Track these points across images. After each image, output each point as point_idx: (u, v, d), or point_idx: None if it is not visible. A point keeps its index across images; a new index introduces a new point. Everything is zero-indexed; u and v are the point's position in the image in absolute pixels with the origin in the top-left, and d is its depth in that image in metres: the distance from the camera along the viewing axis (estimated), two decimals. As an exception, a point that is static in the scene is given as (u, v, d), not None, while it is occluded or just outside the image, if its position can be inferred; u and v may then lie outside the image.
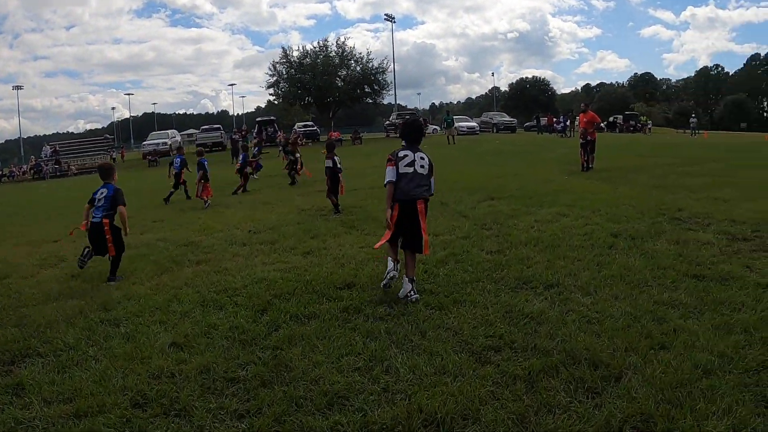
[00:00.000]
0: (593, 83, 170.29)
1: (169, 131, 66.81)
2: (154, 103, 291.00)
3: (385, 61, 68.41)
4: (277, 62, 66.88)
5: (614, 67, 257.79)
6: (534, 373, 4.57)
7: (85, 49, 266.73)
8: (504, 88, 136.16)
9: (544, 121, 63.24)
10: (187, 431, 4.13)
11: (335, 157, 13.36)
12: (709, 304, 5.91)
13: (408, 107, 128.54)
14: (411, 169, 6.64)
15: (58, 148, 59.45)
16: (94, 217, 8.58)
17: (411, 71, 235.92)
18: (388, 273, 6.86)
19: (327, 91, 65.51)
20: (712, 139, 47.91)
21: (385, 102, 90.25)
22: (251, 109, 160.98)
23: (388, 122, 63.39)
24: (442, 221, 10.65)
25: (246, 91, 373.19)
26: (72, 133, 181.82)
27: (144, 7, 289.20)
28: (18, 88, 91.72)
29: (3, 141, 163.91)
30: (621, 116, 71.30)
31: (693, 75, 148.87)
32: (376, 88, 67.89)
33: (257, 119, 67.75)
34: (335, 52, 66.91)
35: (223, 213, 15.08)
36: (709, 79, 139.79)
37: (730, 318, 5.51)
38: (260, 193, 19.55)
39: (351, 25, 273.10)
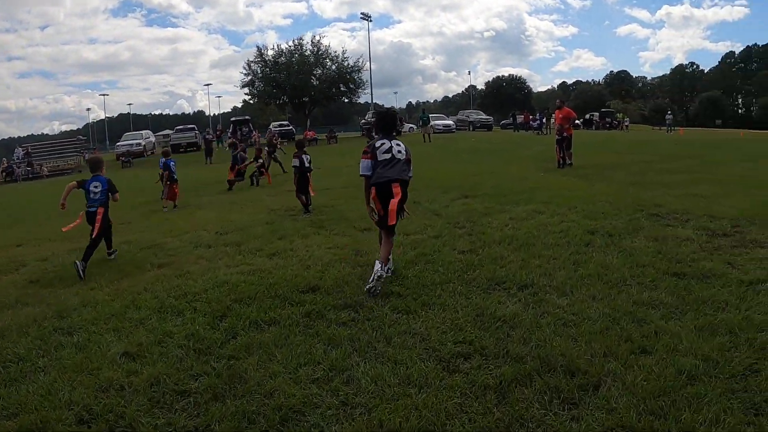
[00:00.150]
0: (570, 81, 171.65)
1: (143, 132, 65.94)
2: (129, 104, 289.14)
3: (360, 60, 68.16)
4: (252, 61, 66.47)
5: (590, 66, 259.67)
6: (506, 382, 4.23)
7: (60, 49, 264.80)
8: (481, 86, 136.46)
9: (520, 118, 63.23)
10: (129, 451, 3.74)
11: (303, 156, 12.98)
12: (691, 303, 5.61)
13: (384, 106, 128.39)
14: (389, 155, 6.79)
15: (30, 150, 58.40)
16: (90, 208, 9.26)
17: (388, 70, 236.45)
18: (374, 273, 6.57)
19: (302, 90, 65.12)
20: (687, 135, 48.02)
21: (362, 101, 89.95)
22: (228, 109, 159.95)
23: (363, 121, 62.94)
24: (414, 220, 10.31)
25: (222, 91, 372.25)
26: (47, 134, 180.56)
27: (119, 6, 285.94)
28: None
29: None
30: (597, 114, 71.56)
31: (668, 73, 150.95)
32: (351, 87, 67.59)
33: (231, 119, 67.09)
34: (310, 51, 66.55)
35: (193, 214, 14.67)
36: (684, 77, 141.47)
37: (714, 318, 5.21)
38: (232, 194, 19.16)
39: (328, 24, 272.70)
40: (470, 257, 7.67)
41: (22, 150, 58.65)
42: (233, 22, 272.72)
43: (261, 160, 21.21)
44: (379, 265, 6.56)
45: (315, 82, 66.37)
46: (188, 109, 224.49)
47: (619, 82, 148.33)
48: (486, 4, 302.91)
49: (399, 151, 6.87)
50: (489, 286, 6.46)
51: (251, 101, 75.39)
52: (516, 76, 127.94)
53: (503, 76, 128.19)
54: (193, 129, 63.13)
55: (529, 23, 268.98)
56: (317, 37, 69.36)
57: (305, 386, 4.40)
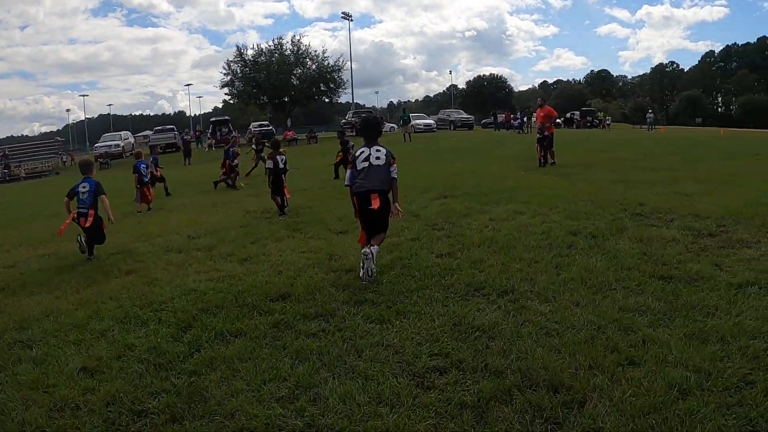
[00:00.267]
0: (551, 80, 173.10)
1: (121, 133, 65.12)
2: (109, 105, 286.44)
3: (340, 60, 67.88)
4: (232, 61, 66.00)
5: (571, 65, 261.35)
6: (484, 399, 3.92)
7: (39, 49, 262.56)
8: (462, 86, 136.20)
9: (501, 117, 63.08)
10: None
11: (278, 157, 12.60)
12: (679, 309, 5.33)
13: (366, 106, 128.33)
14: (366, 164, 7.01)
15: (7, 152, 57.66)
16: (80, 209, 9.58)
17: (369, 70, 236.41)
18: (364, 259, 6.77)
19: (282, 90, 64.77)
20: (668, 133, 48.06)
21: (343, 101, 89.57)
22: (208, 109, 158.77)
23: (344, 121, 62.53)
24: (391, 221, 9.97)
25: (203, 92, 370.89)
26: (27, 136, 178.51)
27: (100, 6, 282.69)
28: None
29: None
30: (578, 112, 71.68)
31: (649, 72, 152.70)
32: (332, 86, 67.34)
33: (211, 119, 66.57)
34: (290, 50, 66.18)
35: (167, 217, 14.25)
36: (664, 76, 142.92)
37: (704, 325, 4.93)
38: (208, 195, 18.73)
39: (309, 24, 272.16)
40: (448, 261, 7.36)
41: (0, 152, 57.92)
42: (214, 21, 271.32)
43: (237, 162, 20.75)
44: (368, 248, 6.80)
45: (295, 82, 66.03)
46: (169, 110, 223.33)
47: (600, 81, 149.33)
48: (467, 4, 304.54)
49: (377, 158, 7.02)
50: (467, 292, 6.14)
51: (231, 101, 74.74)
52: (497, 75, 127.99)
53: (484, 75, 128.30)
54: (172, 130, 62.41)
55: (510, 23, 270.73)
56: (297, 37, 69.16)
57: (269, 406, 4.07)
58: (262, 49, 66.68)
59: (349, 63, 71.66)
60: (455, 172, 18.08)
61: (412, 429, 3.63)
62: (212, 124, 60.39)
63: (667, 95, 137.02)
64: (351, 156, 7.35)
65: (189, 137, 50.19)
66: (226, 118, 64.41)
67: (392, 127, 64.95)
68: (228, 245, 9.56)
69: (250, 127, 61.38)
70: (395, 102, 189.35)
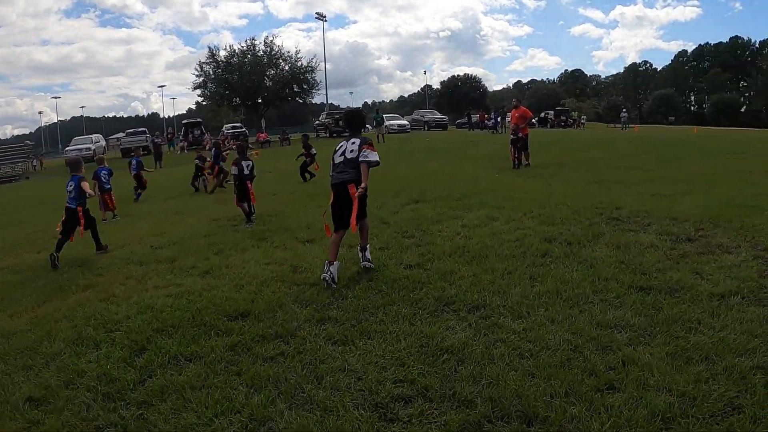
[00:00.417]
0: (525, 80, 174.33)
1: (92, 136, 63.80)
2: (82, 107, 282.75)
3: (314, 60, 67.31)
4: (204, 62, 65.13)
5: (545, 65, 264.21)
6: (451, 434, 3.56)
7: (11, 50, 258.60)
8: (436, 86, 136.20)
9: (475, 117, 63.06)
10: None
11: (242, 163, 12.15)
12: (660, 324, 5.03)
13: (340, 106, 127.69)
14: (341, 158, 7.09)
15: (-25, 156, 56.41)
16: (69, 205, 10.08)
17: (344, 70, 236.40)
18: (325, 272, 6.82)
19: (255, 91, 64.08)
20: (642, 132, 48.19)
21: (317, 102, 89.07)
22: (183, 110, 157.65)
23: (317, 122, 62.05)
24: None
25: (177, 93, 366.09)
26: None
27: (73, 6, 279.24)
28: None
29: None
30: (552, 112, 71.84)
31: (622, 71, 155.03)
32: (305, 87, 66.68)
33: (183, 122, 65.70)
34: (263, 51, 65.47)
35: (131, 225, 13.71)
36: (637, 75, 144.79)
37: (687, 342, 4.65)
38: (176, 201, 18.21)
39: (283, 24, 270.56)
40: (418, 273, 6.99)
41: (-33, 156, 56.65)
42: (188, 22, 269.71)
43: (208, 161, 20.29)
44: (361, 254, 7.31)
45: (268, 83, 65.34)
46: (143, 112, 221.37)
47: (574, 80, 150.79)
48: (441, 5, 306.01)
49: (352, 151, 7.02)
50: (437, 308, 5.79)
51: (204, 103, 73.92)
52: (471, 75, 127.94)
53: (458, 75, 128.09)
54: (144, 132, 61.35)
55: (484, 23, 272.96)
56: (270, 38, 68.55)
57: (217, 444, 3.69)
58: (234, 50, 65.95)
59: (322, 64, 71.04)
60: (428, 174, 17.72)
61: (371, 472, 3.27)
62: (184, 127, 59.56)
63: (641, 94, 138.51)
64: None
65: (160, 140, 49.28)
66: (199, 120, 63.64)
67: (366, 127, 64.46)
68: (191, 256, 9.13)
69: (223, 128, 60.76)
70: (370, 102, 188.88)
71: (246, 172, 12.07)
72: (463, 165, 20.22)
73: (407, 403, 4.05)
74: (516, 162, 18.41)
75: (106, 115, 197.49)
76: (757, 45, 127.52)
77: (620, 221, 9.12)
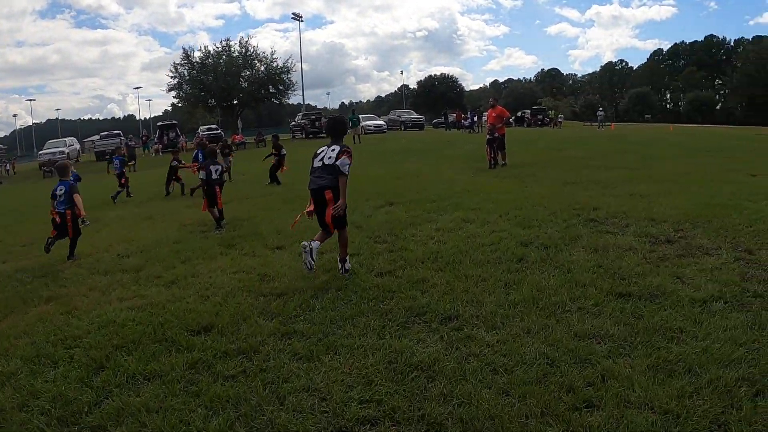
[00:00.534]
0: (501, 79, 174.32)
1: (66, 139, 62.98)
2: (57, 109, 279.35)
3: (290, 61, 66.82)
4: (179, 63, 64.39)
5: (521, 64, 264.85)
6: (418, 463, 3.29)
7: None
8: (413, 86, 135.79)
9: (452, 117, 63.01)
10: None
11: (211, 167, 11.81)
12: (640, 333, 4.80)
13: (317, 107, 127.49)
14: (320, 164, 7.16)
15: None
16: (58, 209, 10.34)
17: (321, 71, 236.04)
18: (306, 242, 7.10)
19: (230, 92, 63.46)
20: (619, 130, 48.30)
21: (295, 102, 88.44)
22: (159, 112, 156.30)
23: (293, 123, 61.62)
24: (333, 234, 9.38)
25: (154, 94, 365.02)
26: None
27: (48, 7, 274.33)
28: None
29: None
30: (529, 111, 71.86)
31: (598, 70, 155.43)
32: (281, 88, 66.16)
33: (158, 124, 65.03)
34: (239, 52, 64.88)
35: (99, 232, 13.23)
36: (613, 74, 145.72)
37: (669, 352, 4.42)
38: (148, 205, 17.76)
39: (260, 24, 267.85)
40: (388, 281, 6.70)
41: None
42: (164, 23, 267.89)
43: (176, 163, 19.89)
44: (340, 265, 7.23)
45: (243, 84, 64.75)
46: (119, 114, 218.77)
47: (550, 79, 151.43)
48: (418, 5, 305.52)
49: (330, 157, 7.07)
50: (407, 320, 5.51)
51: (179, 104, 73.05)
52: (448, 75, 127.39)
53: (435, 75, 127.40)
54: (118, 135, 60.67)
55: (461, 23, 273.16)
56: (245, 38, 68.01)
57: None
58: (209, 51, 65.32)
59: (298, 64, 70.62)
60: (403, 175, 17.45)
61: None
62: (159, 129, 58.97)
63: (617, 93, 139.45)
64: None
65: (133, 143, 48.65)
66: (174, 122, 62.97)
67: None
68: (157, 265, 8.79)
69: (198, 130, 60.20)
70: (347, 102, 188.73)
71: (214, 176, 11.73)
72: (439, 166, 19.99)
73: (373, 425, 3.77)
74: (492, 162, 18.21)
75: (81, 118, 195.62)
76: (731, 43, 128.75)
77: (598, 222, 8.93)
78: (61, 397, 4.57)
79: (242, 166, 24.89)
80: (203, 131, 57.36)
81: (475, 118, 51.89)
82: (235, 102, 65.82)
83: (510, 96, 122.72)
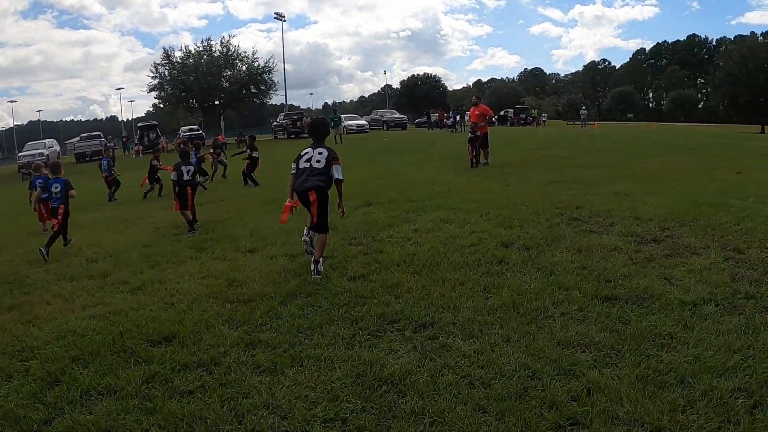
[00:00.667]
0: (485, 79, 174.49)
1: (46, 141, 61.95)
2: (38, 111, 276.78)
3: (271, 60, 66.21)
4: (159, 64, 63.60)
5: (505, 63, 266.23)
6: (384, 493, 2.94)
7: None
8: (396, 85, 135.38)
9: (434, 117, 62.82)
10: None
11: (182, 168, 11.41)
12: (628, 340, 4.49)
13: (300, 107, 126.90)
14: (308, 165, 7.25)
15: None
16: (53, 204, 11.10)
17: (304, 71, 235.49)
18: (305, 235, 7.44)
19: (211, 92, 62.76)
20: (602, 129, 48.21)
21: (278, 103, 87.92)
22: (142, 113, 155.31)
23: (275, 123, 61.12)
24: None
25: (136, 95, 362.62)
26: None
27: (30, 7, 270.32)
28: None
29: None
30: (512, 110, 71.84)
31: (581, 69, 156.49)
32: (262, 88, 65.53)
33: (138, 125, 64.28)
34: (220, 52, 64.21)
35: (72, 236, 12.83)
36: (596, 73, 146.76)
37: (659, 361, 4.12)
38: (123, 208, 17.31)
39: (243, 25, 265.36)
40: (362, 286, 6.35)
41: None
42: (147, 23, 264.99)
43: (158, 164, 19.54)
44: (314, 266, 7.00)
45: (225, 84, 64.06)
46: (101, 115, 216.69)
47: (533, 79, 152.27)
48: (402, 5, 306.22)
49: (318, 161, 7.22)
50: (379, 328, 5.16)
51: (160, 105, 72.24)
52: (431, 74, 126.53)
53: (418, 75, 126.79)
54: (98, 136, 59.90)
55: (444, 23, 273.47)
56: (226, 38, 67.33)
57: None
58: (190, 51, 64.53)
59: (280, 64, 70.10)
60: (384, 175, 17.15)
61: None
62: (140, 130, 58.25)
63: (600, 92, 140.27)
64: (299, 154, 7.53)
65: (112, 144, 47.99)
66: (154, 123, 62.17)
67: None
68: (125, 270, 8.43)
69: (180, 131, 59.61)
70: (330, 103, 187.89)
71: (186, 177, 11.33)
72: (420, 165, 19.66)
73: (336, 448, 3.42)
74: (474, 161, 17.90)
75: (63, 119, 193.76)
76: (713, 43, 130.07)
77: (582, 222, 8.65)
78: (11, 414, 4.24)
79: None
80: (184, 132, 56.77)
81: (458, 118, 51.72)
82: (216, 102, 65.16)
83: (493, 95, 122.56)
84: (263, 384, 4.31)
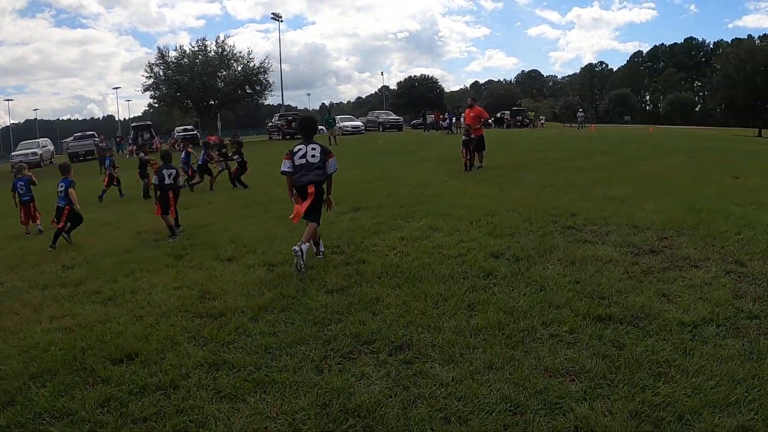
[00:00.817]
0: (482, 81, 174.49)
1: (39, 140, 61.42)
2: (35, 109, 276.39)
3: (266, 61, 65.72)
4: (154, 63, 63.09)
5: (502, 65, 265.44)
6: None
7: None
8: (394, 87, 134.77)
9: (430, 118, 62.43)
10: None
11: (164, 171, 11.01)
12: (622, 368, 4.11)
13: (297, 108, 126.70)
14: (304, 161, 7.66)
15: None
16: (58, 205, 11.53)
17: (302, 71, 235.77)
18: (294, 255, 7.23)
19: (206, 92, 62.27)
20: (598, 132, 47.94)
21: (275, 103, 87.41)
22: (139, 113, 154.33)
23: (270, 124, 60.69)
24: (290, 243, 8.63)
25: (134, 95, 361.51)
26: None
27: (28, 6, 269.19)
28: None
29: None
30: (508, 112, 71.57)
31: (578, 71, 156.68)
32: (257, 88, 65.06)
33: (132, 125, 63.82)
34: (215, 52, 63.75)
35: (50, 240, 12.44)
36: (593, 75, 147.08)
37: (655, 394, 3.77)
38: (108, 210, 16.88)
39: (241, 25, 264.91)
40: (339, 300, 5.94)
41: None
42: (145, 23, 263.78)
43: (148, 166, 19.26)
44: (298, 246, 7.14)
45: (220, 85, 63.57)
46: (98, 114, 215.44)
47: (531, 81, 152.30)
48: (400, 6, 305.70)
49: (313, 156, 7.67)
50: (353, 349, 4.76)
51: (155, 105, 71.70)
52: (428, 76, 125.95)
53: (415, 76, 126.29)
54: (92, 136, 59.34)
55: (442, 24, 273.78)
56: (222, 38, 66.81)
57: None
58: (185, 51, 64.01)
59: (276, 64, 69.78)
60: (375, 177, 16.71)
61: None
62: (134, 130, 57.78)
63: (597, 94, 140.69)
64: (290, 150, 7.83)
65: (104, 144, 47.45)
66: (149, 123, 61.65)
67: (321, 129, 63.33)
68: (99, 278, 8.06)
69: (174, 132, 59.22)
70: (327, 103, 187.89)
71: (167, 181, 10.94)
72: (413, 168, 19.22)
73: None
74: (468, 164, 17.49)
75: (60, 118, 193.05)
76: (711, 46, 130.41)
77: (576, 230, 8.28)
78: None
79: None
80: (179, 132, 56.36)
81: (453, 119, 51.38)
82: (211, 103, 64.70)
83: (491, 97, 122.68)
84: (222, 412, 3.94)
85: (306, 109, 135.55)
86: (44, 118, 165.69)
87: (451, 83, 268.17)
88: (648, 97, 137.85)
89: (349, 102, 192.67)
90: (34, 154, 51.92)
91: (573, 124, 67.99)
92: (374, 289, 6.20)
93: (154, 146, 46.23)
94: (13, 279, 8.81)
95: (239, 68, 63.88)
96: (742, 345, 4.40)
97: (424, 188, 13.49)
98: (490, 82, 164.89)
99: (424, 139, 39.07)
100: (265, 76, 64.69)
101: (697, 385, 3.80)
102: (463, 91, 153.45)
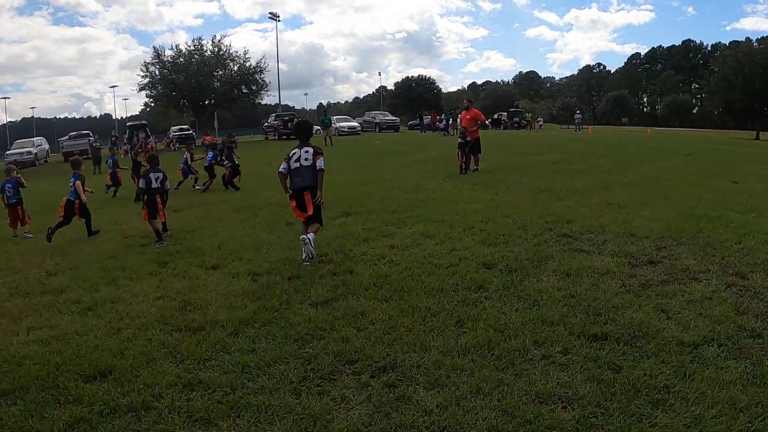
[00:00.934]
0: (480, 81, 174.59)
1: (34, 139, 61.11)
2: (32, 108, 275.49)
3: (263, 60, 65.42)
4: (150, 63, 62.74)
5: (500, 66, 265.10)
6: None
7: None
8: (392, 87, 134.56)
9: (427, 119, 62.26)
10: None
11: (151, 175, 10.73)
12: (617, 395, 3.86)
13: (294, 107, 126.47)
14: (298, 164, 7.94)
15: None
16: (69, 197, 12.03)
17: (299, 71, 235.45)
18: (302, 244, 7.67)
19: (202, 92, 61.93)
20: (596, 133, 47.77)
21: (272, 103, 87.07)
22: (136, 111, 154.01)
23: (266, 124, 60.36)
24: (277, 250, 8.38)
25: (131, 94, 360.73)
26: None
27: (26, 4, 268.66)
28: None
29: None
30: (505, 113, 71.45)
31: (576, 73, 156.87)
32: (254, 88, 64.75)
33: (128, 124, 63.40)
34: (211, 51, 63.42)
35: (37, 244, 12.14)
36: (591, 77, 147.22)
37: (652, 425, 3.56)
38: (99, 213, 16.48)
39: (239, 24, 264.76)
40: (323, 314, 5.68)
41: None
42: (143, 21, 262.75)
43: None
44: (306, 235, 7.65)
45: (216, 84, 63.24)
46: (96, 113, 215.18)
47: (528, 82, 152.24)
48: (398, 6, 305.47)
49: (306, 159, 7.93)
50: (334, 369, 4.51)
51: (151, 104, 71.35)
52: (425, 76, 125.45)
53: (413, 76, 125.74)
54: (87, 135, 59.00)
55: (440, 25, 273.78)
56: (218, 37, 66.50)
57: None
58: (181, 50, 63.69)
59: (273, 64, 69.52)
60: (369, 180, 16.45)
61: None
62: (129, 129, 57.41)
63: (594, 96, 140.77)
64: (287, 154, 8.13)
65: (98, 144, 47.10)
66: (144, 122, 61.38)
67: (317, 130, 63.02)
68: (81, 286, 7.80)
69: (170, 131, 58.95)
70: (325, 103, 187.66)
71: (155, 185, 10.67)
72: (408, 170, 18.92)
73: None
74: (463, 167, 17.23)
75: (57, 116, 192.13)
76: (708, 48, 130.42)
77: (572, 239, 8.03)
78: None
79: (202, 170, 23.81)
80: (174, 132, 56.08)
81: (450, 121, 51.18)
82: (207, 102, 64.39)
83: (488, 98, 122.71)
84: (193, 441, 3.68)
85: (303, 109, 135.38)
86: (41, 116, 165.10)
87: (449, 84, 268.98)
88: (645, 99, 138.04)
89: (346, 102, 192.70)
90: (29, 153, 51.72)
91: (570, 126, 67.88)
92: (360, 302, 5.94)
93: (149, 146, 45.88)
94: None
95: (235, 68, 63.64)
96: (744, 368, 4.17)
97: (418, 192, 13.25)
98: (487, 83, 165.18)
99: (420, 141, 38.80)
100: (262, 75, 64.53)
101: (697, 415, 3.56)
102: (460, 92, 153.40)
